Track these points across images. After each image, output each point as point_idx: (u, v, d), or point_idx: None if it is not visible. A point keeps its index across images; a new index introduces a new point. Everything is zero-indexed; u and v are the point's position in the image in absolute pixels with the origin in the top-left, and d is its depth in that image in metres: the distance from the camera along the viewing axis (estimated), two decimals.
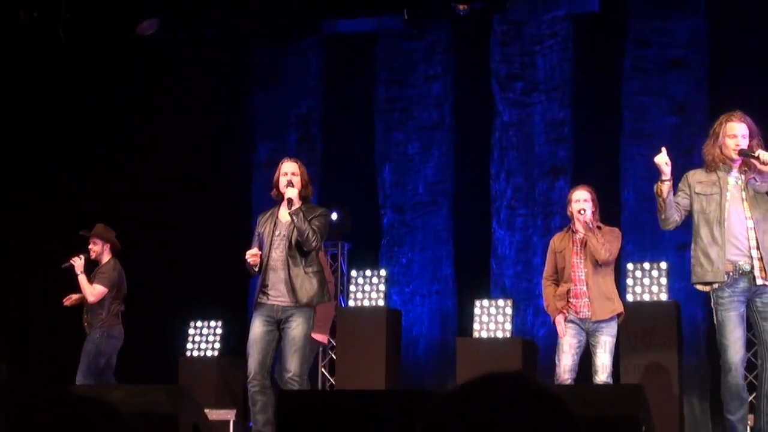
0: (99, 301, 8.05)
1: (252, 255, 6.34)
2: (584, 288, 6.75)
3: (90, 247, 8.19)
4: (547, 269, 7.02)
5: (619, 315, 6.81)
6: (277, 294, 6.34)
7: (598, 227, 6.85)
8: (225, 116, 10.41)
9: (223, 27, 10.17)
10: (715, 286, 5.75)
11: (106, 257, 8.23)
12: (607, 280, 6.79)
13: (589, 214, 6.75)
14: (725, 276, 5.69)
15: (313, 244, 6.29)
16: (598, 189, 9.14)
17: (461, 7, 9.68)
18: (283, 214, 6.41)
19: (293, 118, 10.34)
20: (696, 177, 5.93)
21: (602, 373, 6.66)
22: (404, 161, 10.00)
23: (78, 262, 8.04)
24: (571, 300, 6.78)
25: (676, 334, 8.16)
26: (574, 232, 6.86)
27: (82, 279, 8.03)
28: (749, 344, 6.30)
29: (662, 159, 5.84)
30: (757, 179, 5.75)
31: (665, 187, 5.84)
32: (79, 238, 8.23)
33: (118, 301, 8.14)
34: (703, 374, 8.66)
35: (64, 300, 8.15)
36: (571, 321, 6.78)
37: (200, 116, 10.29)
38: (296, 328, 6.31)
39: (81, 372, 8.01)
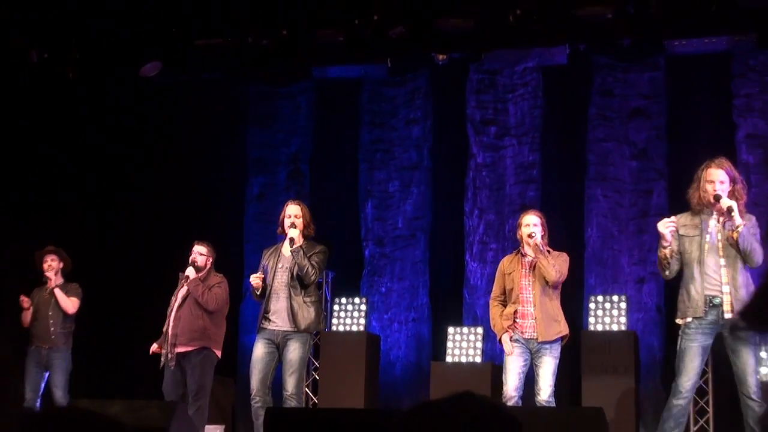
0: (70, 316, 7.98)
1: (256, 277, 6.66)
2: (531, 309, 6.57)
3: (49, 264, 8.07)
4: (495, 290, 6.84)
5: (563, 337, 6.63)
6: (278, 320, 6.64)
7: (548, 251, 6.68)
8: (221, 152, 10.41)
9: (222, 71, 10.19)
10: (693, 320, 5.81)
11: (60, 278, 8.13)
12: (553, 303, 6.62)
13: (538, 238, 6.60)
14: (703, 311, 5.75)
15: (312, 278, 6.64)
16: (563, 227, 9.25)
17: (440, 57, 9.75)
18: (286, 249, 6.76)
19: (283, 156, 10.34)
20: (681, 221, 6.01)
21: (544, 394, 6.45)
22: (385, 198, 10.00)
23: (52, 276, 7.98)
24: (517, 320, 6.58)
25: (634, 361, 8.18)
26: (523, 255, 6.70)
27: (59, 292, 7.95)
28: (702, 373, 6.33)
29: (664, 227, 5.85)
30: (728, 222, 5.83)
31: (668, 251, 5.90)
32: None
33: None
34: (657, 398, 8.63)
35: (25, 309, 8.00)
36: (517, 341, 6.57)
37: (198, 152, 10.29)
38: (294, 351, 6.58)
39: (61, 388, 7.85)
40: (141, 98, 10.26)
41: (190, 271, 7.30)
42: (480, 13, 9.09)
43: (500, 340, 6.69)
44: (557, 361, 6.57)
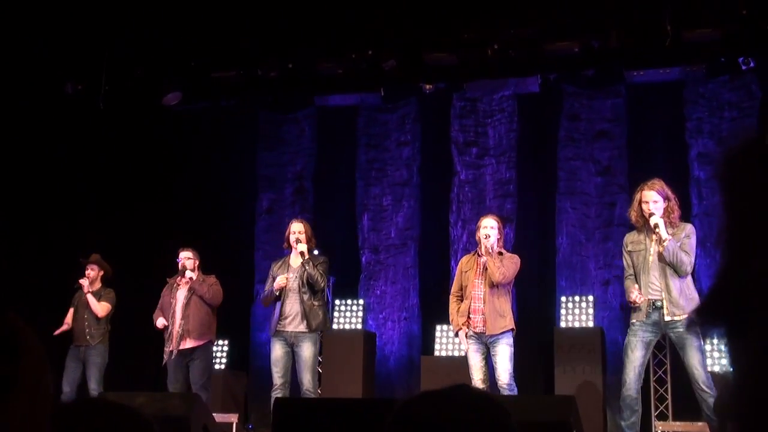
0: (103, 318, 7.96)
1: (284, 278, 6.82)
2: (481, 305, 6.43)
3: (88, 272, 8.10)
4: (454, 286, 6.72)
5: (511, 330, 6.46)
6: (292, 323, 6.77)
7: (500, 253, 6.55)
8: (234, 171, 10.39)
9: (235, 99, 10.18)
10: (634, 320, 5.90)
11: (99, 283, 8.14)
12: (501, 300, 6.46)
13: (492, 240, 6.46)
14: (646, 313, 5.87)
15: (321, 284, 6.82)
16: (537, 236, 9.24)
17: (427, 86, 9.75)
18: (294, 260, 6.90)
19: (289, 174, 10.31)
20: (630, 238, 6.17)
21: (504, 378, 6.34)
22: (379, 211, 9.98)
23: (86, 283, 7.98)
24: (470, 316, 6.45)
25: (601, 354, 8.15)
26: (479, 255, 6.58)
27: (90, 297, 7.94)
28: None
29: (635, 297, 5.91)
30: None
31: (635, 298, 5.94)
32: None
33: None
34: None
35: (56, 332, 7.97)
36: (472, 336, 6.46)
37: (214, 171, 10.27)
38: (307, 350, 6.74)
39: (95, 381, 7.83)
40: (163, 124, 10.25)
41: (189, 273, 7.32)
42: (462, 48, 9.11)
43: (456, 334, 6.61)
44: (511, 348, 6.43)
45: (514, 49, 8.95)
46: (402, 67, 9.33)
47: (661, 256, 5.89)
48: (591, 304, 8.53)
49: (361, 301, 9.48)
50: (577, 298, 8.60)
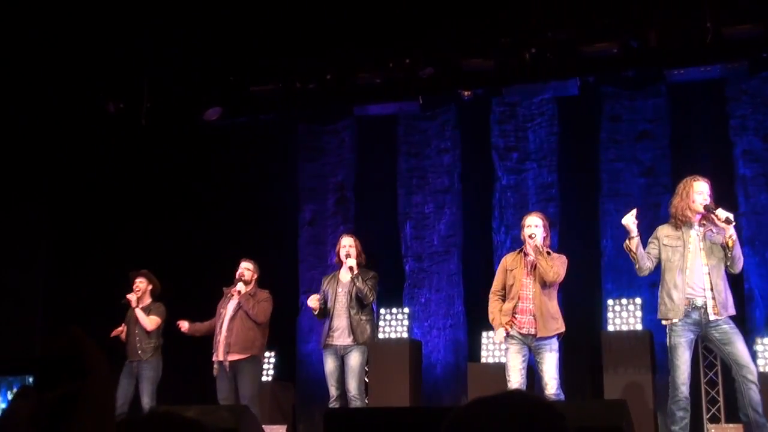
0: (153, 332, 8.01)
1: (315, 299, 6.90)
2: (530, 306, 6.18)
3: (137, 285, 8.15)
4: (496, 285, 6.45)
5: (560, 334, 6.25)
6: (340, 336, 6.86)
7: (548, 252, 6.33)
8: (276, 184, 10.46)
9: (275, 112, 10.26)
10: (677, 320, 5.73)
11: (148, 298, 8.19)
12: (552, 302, 6.23)
13: (539, 239, 6.22)
14: (683, 313, 5.67)
15: (370, 299, 6.90)
16: (581, 239, 9.17)
17: (465, 93, 9.75)
18: (343, 275, 6.95)
19: (331, 185, 10.36)
20: (664, 231, 5.92)
21: (551, 388, 6.10)
22: (422, 219, 9.98)
23: (133, 298, 8.05)
24: (516, 316, 6.20)
25: (650, 358, 8.07)
26: (526, 254, 6.36)
27: (139, 312, 8.00)
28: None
29: (627, 220, 5.79)
30: (714, 230, 5.74)
31: (633, 243, 5.82)
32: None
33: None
34: None
35: (113, 333, 8.07)
36: (514, 337, 6.21)
37: (256, 184, 10.35)
38: (354, 359, 6.83)
39: (148, 395, 7.88)
40: (204, 139, 10.36)
41: (240, 287, 7.35)
42: (499, 54, 9.08)
43: (496, 332, 6.34)
44: (558, 355, 6.21)
45: (551, 52, 8.92)
46: (439, 74, 9.34)
47: (708, 253, 5.71)
48: (639, 307, 8.45)
49: (406, 310, 9.48)
50: (624, 301, 8.52)
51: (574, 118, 9.54)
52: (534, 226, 6.31)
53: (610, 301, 8.62)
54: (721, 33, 8.25)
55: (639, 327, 8.36)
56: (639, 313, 8.43)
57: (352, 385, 6.75)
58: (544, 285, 6.22)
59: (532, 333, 6.19)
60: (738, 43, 8.43)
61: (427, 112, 10.06)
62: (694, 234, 5.81)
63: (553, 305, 6.26)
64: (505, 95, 9.70)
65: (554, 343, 6.21)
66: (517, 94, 9.67)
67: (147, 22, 8.98)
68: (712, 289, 5.68)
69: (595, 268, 9.05)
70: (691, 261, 5.74)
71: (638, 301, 8.50)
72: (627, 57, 8.85)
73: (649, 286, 8.79)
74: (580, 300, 9.00)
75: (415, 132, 10.15)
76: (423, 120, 10.12)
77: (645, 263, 5.87)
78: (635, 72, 9.18)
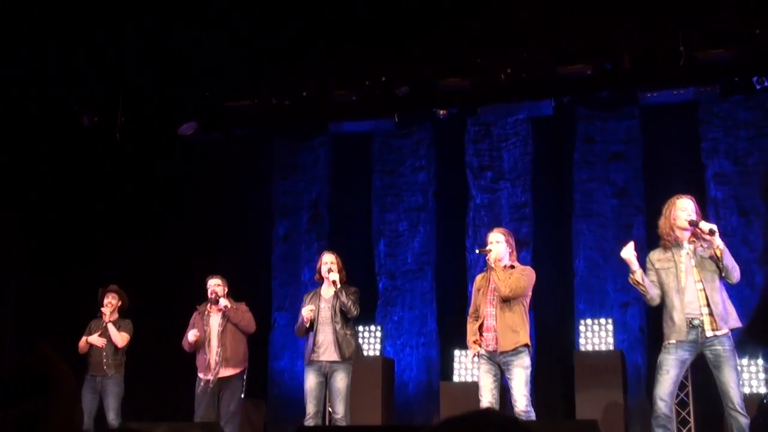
0: (121, 348, 7.93)
1: (309, 310, 6.81)
2: (493, 323, 6.10)
3: (108, 301, 8.05)
4: (471, 307, 6.42)
5: (525, 346, 6.09)
6: (325, 352, 6.77)
7: (512, 266, 6.22)
8: (250, 199, 10.43)
9: (249, 128, 10.24)
10: (672, 340, 5.68)
11: (116, 314, 8.10)
12: (515, 315, 6.10)
13: (497, 253, 6.15)
14: (686, 333, 5.62)
15: (354, 312, 6.86)
16: (554, 259, 9.20)
17: (441, 111, 9.80)
18: (326, 291, 6.91)
19: (305, 202, 10.35)
20: (655, 256, 5.88)
21: (520, 404, 6.00)
22: (395, 237, 9.99)
23: (107, 312, 7.95)
24: (483, 334, 6.15)
25: (622, 378, 8.10)
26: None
27: (111, 327, 7.91)
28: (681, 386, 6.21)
29: (627, 254, 5.75)
30: (704, 246, 5.73)
31: (637, 275, 5.76)
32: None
33: None
34: (643, 410, 8.54)
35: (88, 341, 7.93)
36: (483, 356, 6.14)
37: (229, 200, 10.31)
38: (341, 381, 6.73)
39: (113, 411, 7.76)
40: (179, 154, 10.31)
41: (224, 301, 7.28)
42: (475, 73, 9.13)
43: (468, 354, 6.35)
44: (528, 371, 6.09)
45: (527, 73, 8.98)
46: (415, 93, 9.37)
47: (700, 269, 5.67)
48: (610, 327, 8.49)
49: (378, 327, 9.46)
50: (596, 321, 8.56)
51: (548, 139, 9.61)
52: (495, 242, 6.24)
53: (582, 321, 8.66)
54: (694, 56, 8.35)
55: (610, 347, 8.39)
56: (610, 333, 8.46)
57: (340, 408, 6.68)
58: (506, 300, 6.12)
59: (495, 348, 6.12)
60: (710, 67, 8.54)
61: (402, 130, 10.09)
62: (684, 253, 5.76)
63: (514, 318, 6.11)
64: (480, 114, 9.76)
65: (523, 359, 6.08)
66: (492, 114, 9.73)
67: (122, 35, 8.94)
68: (708, 305, 5.63)
69: (567, 288, 9.09)
70: (684, 280, 5.70)
71: (610, 321, 8.54)
72: (601, 79, 8.93)
73: (620, 306, 8.85)
74: (553, 320, 9.03)
75: (390, 150, 10.17)
76: (398, 138, 10.14)
77: (654, 292, 5.82)
78: (609, 93, 9.27)
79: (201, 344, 7.32)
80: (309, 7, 8.60)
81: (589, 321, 8.59)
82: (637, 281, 5.78)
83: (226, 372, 7.14)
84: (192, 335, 7.25)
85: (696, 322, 5.61)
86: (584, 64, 8.77)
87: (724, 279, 5.70)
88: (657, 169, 9.06)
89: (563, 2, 8.49)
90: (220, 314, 7.34)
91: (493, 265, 6.16)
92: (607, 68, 8.78)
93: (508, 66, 8.96)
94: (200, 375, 7.27)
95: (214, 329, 7.28)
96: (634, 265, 5.73)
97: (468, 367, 8.86)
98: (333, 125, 10.29)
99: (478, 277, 6.46)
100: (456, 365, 8.98)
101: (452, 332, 9.46)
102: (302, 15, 8.71)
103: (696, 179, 8.76)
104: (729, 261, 5.64)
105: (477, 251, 6.32)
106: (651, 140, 9.18)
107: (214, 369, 7.14)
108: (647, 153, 9.17)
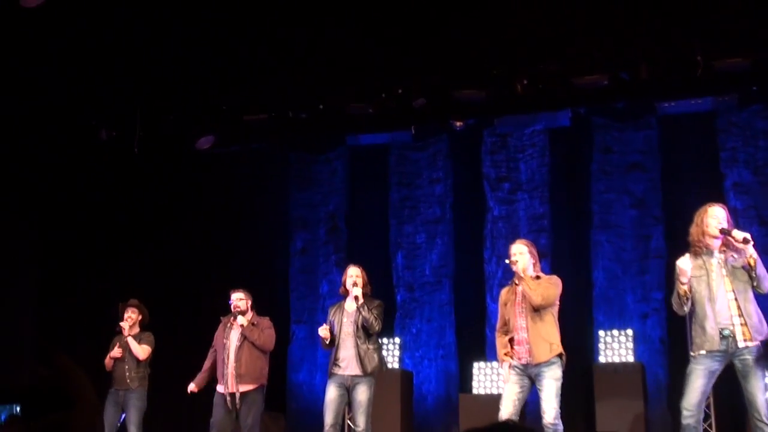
0: (143, 361, 7.95)
1: (324, 329, 6.80)
2: (525, 335, 6.05)
3: (128, 315, 8.07)
4: (499, 321, 6.35)
5: (560, 356, 6.06)
6: (347, 366, 6.72)
7: (537, 277, 6.20)
8: (268, 213, 10.47)
9: (267, 141, 10.28)
10: (702, 351, 5.60)
11: (137, 328, 8.11)
12: (546, 325, 6.08)
13: (523, 264, 6.13)
14: (718, 343, 5.52)
15: (376, 328, 6.78)
16: (572, 271, 9.16)
17: (457, 123, 9.79)
18: (349, 305, 6.85)
19: (323, 214, 10.37)
20: (685, 264, 5.79)
21: (548, 416, 5.93)
22: (413, 249, 9.99)
23: (126, 326, 7.97)
24: (514, 347, 6.09)
25: (642, 390, 8.05)
26: (516, 284, 6.26)
27: (131, 341, 7.92)
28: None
29: (684, 264, 5.62)
30: (735, 256, 5.66)
31: (686, 287, 5.67)
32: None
33: None
34: (664, 421, 8.49)
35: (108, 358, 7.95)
36: (515, 368, 6.08)
37: (247, 213, 10.35)
38: (363, 394, 6.68)
39: (134, 425, 7.77)
40: (197, 168, 10.37)
41: (241, 320, 7.27)
42: (491, 84, 9.14)
43: (501, 367, 6.26)
44: (559, 383, 6.03)
45: (543, 84, 8.98)
46: (432, 105, 9.39)
47: (732, 279, 5.59)
48: (630, 339, 8.44)
49: (397, 340, 9.45)
50: (615, 333, 8.51)
51: (566, 150, 9.59)
52: (518, 254, 6.23)
53: (601, 333, 8.61)
54: (712, 66, 8.33)
55: (631, 358, 8.34)
56: (630, 345, 8.42)
57: (361, 421, 6.66)
58: (536, 310, 6.10)
59: (529, 361, 6.07)
60: (728, 76, 8.51)
61: (419, 142, 10.10)
62: (715, 261, 5.67)
63: (546, 329, 6.09)
64: (496, 126, 9.76)
65: (555, 370, 6.03)
66: (508, 125, 9.73)
67: (140, 51, 9.00)
68: (741, 315, 5.51)
69: (586, 300, 9.05)
70: (716, 289, 5.63)
71: (629, 332, 8.49)
72: (618, 89, 8.91)
73: (640, 318, 8.80)
74: (572, 331, 8.96)
75: (407, 162, 10.18)
76: (415, 150, 10.15)
77: (688, 304, 5.76)
78: (626, 104, 9.25)
79: (220, 356, 7.33)
80: (324, 21, 8.63)
81: (608, 332, 8.54)
82: (685, 292, 5.67)
83: (242, 387, 7.15)
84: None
85: (726, 332, 5.52)
86: (601, 75, 8.76)
87: (755, 289, 5.63)
88: (675, 180, 9.02)
89: (579, 13, 8.48)
90: (240, 329, 7.35)
91: (522, 275, 6.14)
92: (624, 78, 8.77)
93: (525, 77, 8.96)
94: (217, 388, 7.28)
95: (233, 344, 7.29)
96: (687, 276, 5.64)
97: (487, 379, 8.83)
98: (350, 138, 10.32)
99: (504, 291, 6.40)
100: (475, 377, 8.95)
101: (471, 344, 9.45)
102: (317, 29, 8.74)
103: (715, 189, 8.70)
104: (762, 270, 5.55)
105: (507, 262, 6.25)
106: (669, 150, 9.15)
107: (229, 383, 7.15)
108: (665, 163, 9.13)
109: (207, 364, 7.42)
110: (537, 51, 8.83)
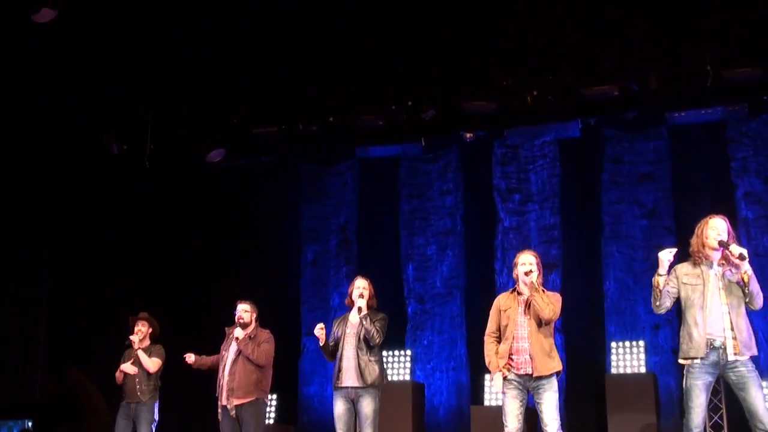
0: (153, 374, 7.95)
1: (320, 328, 6.78)
2: (526, 345, 5.94)
3: (139, 328, 8.08)
4: (490, 326, 6.19)
5: (557, 372, 5.99)
6: (349, 378, 6.71)
7: (542, 290, 6.10)
8: (278, 225, 10.49)
9: (277, 154, 10.32)
10: (696, 361, 5.62)
11: (147, 340, 8.12)
12: (548, 340, 6.01)
13: (534, 276, 6.03)
14: (705, 352, 5.54)
15: (377, 340, 6.75)
16: (584, 282, 9.15)
17: (467, 135, 9.81)
18: (353, 317, 6.84)
19: (333, 226, 10.39)
20: (683, 270, 5.80)
21: (551, 427, 5.87)
22: (424, 260, 9.99)
23: (136, 339, 7.98)
24: (512, 357, 5.97)
25: (654, 401, 8.01)
26: (519, 293, 6.12)
27: (142, 354, 7.93)
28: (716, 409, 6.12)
29: (666, 256, 5.70)
30: (732, 270, 5.68)
31: (662, 279, 5.71)
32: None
33: None
34: None
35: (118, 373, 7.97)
36: (512, 381, 5.98)
37: (258, 225, 10.38)
38: (367, 406, 6.66)
39: None
40: (208, 181, 10.41)
41: (238, 332, 7.25)
42: (501, 96, 9.15)
43: (493, 377, 6.15)
44: (557, 395, 5.99)
45: (553, 94, 8.99)
46: (441, 116, 9.41)
47: (727, 292, 5.62)
48: (642, 350, 8.42)
49: (408, 352, 9.44)
50: (627, 344, 8.49)
51: (576, 160, 9.59)
52: (529, 264, 6.11)
53: (613, 344, 8.59)
54: (721, 76, 8.32)
55: (642, 370, 8.31)
56: (642, 356, 8.39)
57: None
58: (540, 323, 6.02)
59: (529, 373, 5.97)
60: (738, 86, 8.50)
61: (429, 153, 10.11)
62: (713, 273, 5.71)
63: (549, 343, 6.04)
64: (507, 137, 9.77)
65: (553, 383, 5.98)
66: (518, 136, 9.73)
67: (151, 65, 9.06)
68: (732, 329, 5.54)
69: (597, 311, 9.03)
70: (709, 299, 5.64)
71: (641, 343, 8.46)
72: (628, 99, 8.91)
73: (651, 328, 8.77)
74: (583, 343, 8.96)
75: (418, 174, 10.20)
76: (425, 162, 10.17)
77: (665, 301, 5.78)
78: (636, 114, 9.25)
79: (219, 367, 7.34)
80: (334, 33, 8.67)
81: (620, 344, 8.51)
82: (657, 284, 5.72)
83: (235, 401, 7.15)
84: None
85: (717, 343, 5.54)
86: (610, 85, 8.76)
87: (747, 305, 5.65)
88: (686, 190, 9.01)
89: (589, 24, 8.50)
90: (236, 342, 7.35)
91: (537, 287, 6.05)
92: (634, 89, 8.77)
93: (534, 88, 8.97)
94: (219, 399, 7.29)
95: (230, 356, 7.29)
96: (665, 269, 5.68)
97: (498, 391, 8.78)
98: (360, 150, 10.34)
99: (502, 297, 6.29)
100: (486, 389, 8.94)
101: (482, 356, 9.39)
102: (327, 41, 8.78)
103: (726, 199, 8.70)
104: (755, 287, 5.59)
105: (524, 274, 6.20)
106: (679, 160, 9.14)
107: (223, 396, 7.17)
108: (676, 173, 9.12)
109: (215, 358, 7.46)
110: (547, 62, 8.84)
